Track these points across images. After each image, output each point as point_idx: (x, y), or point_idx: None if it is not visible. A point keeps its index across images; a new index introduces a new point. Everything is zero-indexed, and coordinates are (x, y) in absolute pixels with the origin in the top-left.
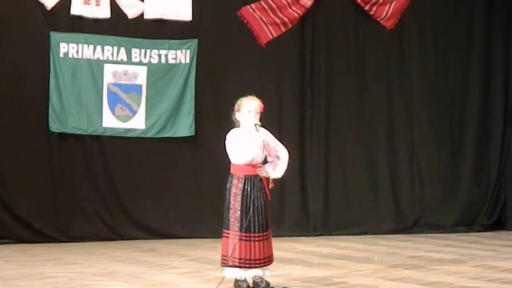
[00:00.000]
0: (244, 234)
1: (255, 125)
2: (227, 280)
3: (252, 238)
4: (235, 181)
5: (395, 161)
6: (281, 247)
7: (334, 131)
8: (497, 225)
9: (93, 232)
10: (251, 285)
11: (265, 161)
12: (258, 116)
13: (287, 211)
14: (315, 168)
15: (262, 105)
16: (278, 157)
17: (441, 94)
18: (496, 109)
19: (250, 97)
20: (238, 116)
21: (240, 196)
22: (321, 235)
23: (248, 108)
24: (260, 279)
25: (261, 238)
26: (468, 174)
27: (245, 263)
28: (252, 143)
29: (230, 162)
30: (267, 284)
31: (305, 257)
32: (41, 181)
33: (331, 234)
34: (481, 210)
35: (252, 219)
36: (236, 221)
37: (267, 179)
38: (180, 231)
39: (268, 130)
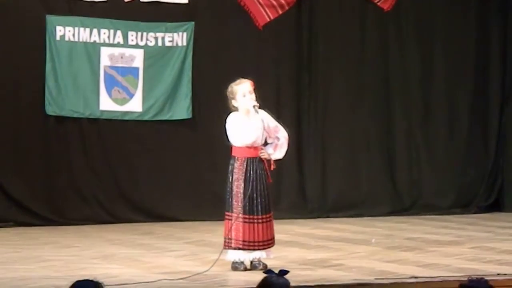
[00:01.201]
0: (247, 216)
1: (254, 106)
2: (225, 262)
3: (255, 220)
4: (237, 164)
5: (392, 143)
6: (278, 229)
7: (331, 113)
8: (494, 207)
9: (91, 215)
10: (248, 267)
11: (265, 143)
12: (253, 95)
13: (284, 193)
14: (312, 151)
15: (252, 82)
16: (277, 138)
17: (438, 76)
18: (493, 91)
19: (239, 81)
20: (235, 103)
21: (243, 179)
22: (318, 217)
23: (242, 92)
24: (258, 262)
25: (264, 220)
26: (465, 155)
27: (249, 245)
28: (253, 126)
29: (231, 145)
30: (265, 266)
31: (302, 240)
32: (38, 164)
33: (328, 216)
34: (478, 191)
35: (255, 201)
36: (239, 204)
37: (268, 161)
38: (178, 213)
39: (265, 110)
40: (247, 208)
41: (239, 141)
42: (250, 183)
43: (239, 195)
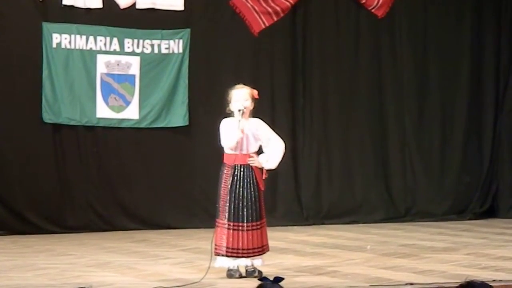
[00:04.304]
0: (232, 223)
1: (239, 110)
2: (220, 270)
3: (240, 228)
4: (225, 170)
5: (386, 150)
6: (273, 236)
7: (325, 120)
8: (489, 213)
9: (86, 223)
10: (243, 274)
11: (261, 152)
12: (248, 103)
13: (279, 200)
14: (307, 158)
15: (255, 92)
16: (273, 148)
17: (432, 82)
18: (487, 97)
19: (238, 86)
20: (230, 107)
21: (230, 185)
22: (313, 224)
23: (236, 98)
24: (252, 269)
25: (251, 228)
26: (459, 162)
27: (233, 252)
28: (238, 129)
29: (223, 151)
30: (260, 273)
31: (298, 247)
32: (34, 172)
33: (323, 223)
34: (473, 198)
35: (241, 208)
36: (225, 210)
37: (261, 169)
38: (173, 221)
39: (260, 118)
40: (232, 215)
41: (224, 144)
42: (235, 190)
43: (226, 201)
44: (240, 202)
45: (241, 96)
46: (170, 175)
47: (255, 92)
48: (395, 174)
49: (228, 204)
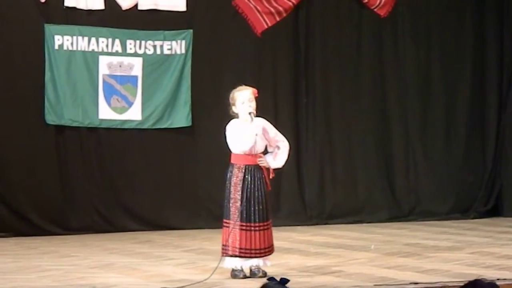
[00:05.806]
0: (244, 224)
1: (250, 113)
2: (224, 270)
3: (252, 228)
4: (235, 171)
5: (390, 149)
6: (277, 236)
7: (329, 120)
8: (493, 212)
9: (89, 224)
10: (248, 274)
11: (265, 152)
12: (253, 103)
13: (283, 200)
14: (310, 157)
15: (255, 91)
16: (278, 147)
17: (435, 82)
18: (490, 96)
19: (240, 87)
20: (234, 109)
21: (241, 185)
22: (317, 224)
23: (241, 100)
24: (256, 269)
25: (261, 228)
26: (463, 161)
27: (246, 253)
28: (250, 132)
29: (230, 152)
30: (264, 273)
31: (302, 246)
32: (37, 174)
33: (327, 223)
34: (477, 196)
35: (252, 208)
36: (236, 211)
37: (267, 169)
38: (177, 222)
39: (264, 118)
40: (244, 215)
41: (237, 147)
42: (248, 191)
43: (237, 202)
44: (252, 203)
45: (246, 98)
46: (173, 176)
47: (255, 90)
48: (398, 173)
49: (240, 205)
